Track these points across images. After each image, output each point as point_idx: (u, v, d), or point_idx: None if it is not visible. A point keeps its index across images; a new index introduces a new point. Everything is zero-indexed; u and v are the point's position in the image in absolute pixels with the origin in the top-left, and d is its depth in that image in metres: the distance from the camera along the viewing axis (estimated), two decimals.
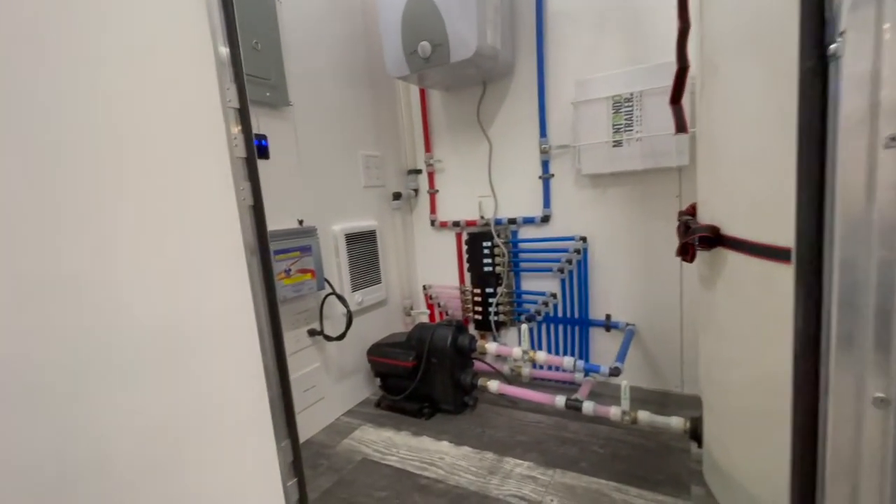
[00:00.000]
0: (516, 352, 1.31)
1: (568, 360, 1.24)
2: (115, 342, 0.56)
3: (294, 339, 1.30)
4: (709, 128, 0.86)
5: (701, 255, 0.91)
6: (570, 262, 1.50)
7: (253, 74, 1.16)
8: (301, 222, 1.32)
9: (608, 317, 1.49)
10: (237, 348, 0.72)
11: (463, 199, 1.72)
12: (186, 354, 0.63)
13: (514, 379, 1.57)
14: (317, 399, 1.39)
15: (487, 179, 1.63)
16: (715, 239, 0.82)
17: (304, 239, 1.25)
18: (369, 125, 1.62)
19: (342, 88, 1.50)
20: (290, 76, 1.29)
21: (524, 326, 1.30)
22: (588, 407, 1.21)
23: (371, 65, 1.61)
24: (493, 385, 1.38)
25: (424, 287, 1.85)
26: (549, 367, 1.50)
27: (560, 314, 1.57)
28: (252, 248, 0.74)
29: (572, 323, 1.55)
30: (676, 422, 1.10)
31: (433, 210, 1.79)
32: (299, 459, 0.86)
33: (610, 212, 1.44)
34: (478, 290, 1.69)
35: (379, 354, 1.48)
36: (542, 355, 1.28)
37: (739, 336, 0.82)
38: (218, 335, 0.68)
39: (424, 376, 1.39)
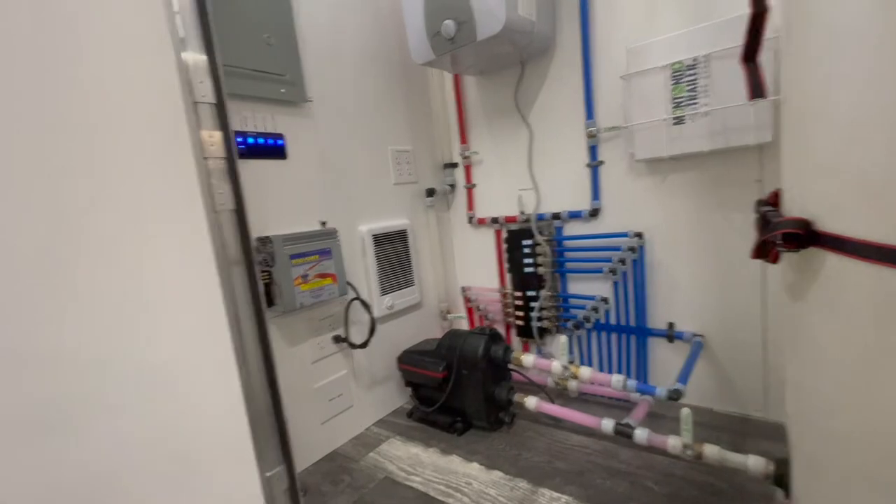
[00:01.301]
0: (556, 366, 1.15)
1: (616, 379, 1.06)
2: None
3: (318, 345, 1.25)
4: (800, 89, 0.65)
5: (787, 256, 0.70)
6: (623, 262, 1.30)
7: (264, 70, 1.10)
8: (324, 224, 1.26)
9: (671, 325, 1.27)
10: (206, 368, 0.65)
11: (502, 193, 1.57)
12: (146, 381, 0.57)
13: (559, 393, 1.40)
14: (345, 408, 1.32)
15: (528, 170, 1.47)
16: (805, 236, 0.61)
17: (323, 241, 1.18)
18: (399, 118, 1.53)
19: (368, 81, 1.42)
20: (309, 70, 1.23)
21: (563, 338, 1.13)
22: (641, 435, 1.02)
23: (399, 54, 1.51)
24: (531, 402, 1.23)
25: (463, 289, 1.72)
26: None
27: (613, 321, 1.37)
28: (234, 256, 0.68)
29: (627, 331, 1.35)
30: (755, 463, 0.88)
31: (471, 206, 1.66)
32: (295, 487, 0.79)
33: (671, 203, 1.22)
34: (519, 294, 1.54)
35: (408, 363, 1.38)
36: (585, 371, 1.10)
37: (843, 368, 0.60)
38: (184, 354, 0.61)
39: (455, 388, 1.28)
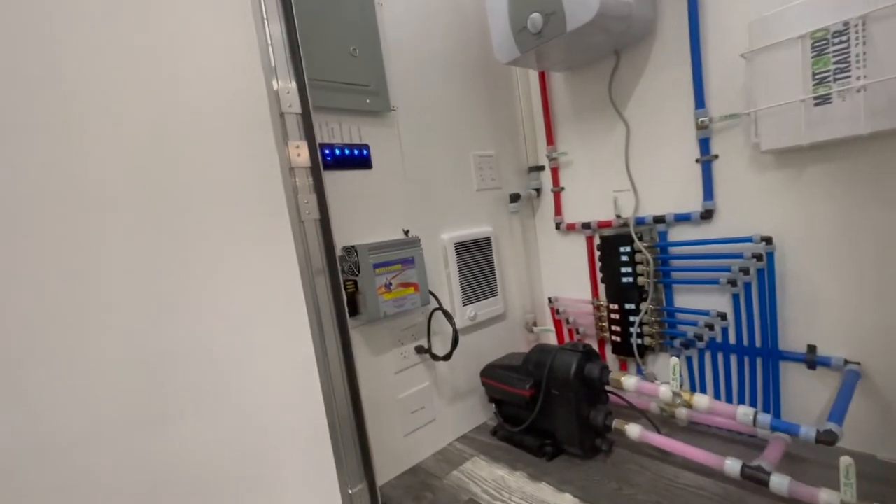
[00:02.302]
0: (664, 391, 1.00)
1: (743, 412, 0.88)
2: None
3: (401, 356, 1.23)
4: None
5: None
6: (745, 271, 1.10)
7: (350, 82, 1.12)
8: (407, 233, 1.25)
9: (811, 349, 1.05)
10: (288, 377, 0.64)
11: (594, 196, 1.44)
12: (229, 386, 0.58)
13: (664, 420, 1.23)
14: (427, 421, 1.29)
15: (625, 170, 1.33)
16: None
17: (406, 250, 1.16)
18: (482, 122, 1.48)
19: (450, 86, 1.39)
20: (393, 79, 1.23)
21: (675, 359, 0.98)
22: (779, 483, 0.84)
23: (482, 56, 1.46)
24: (633, 431, 1.08)
25: (550, 300, 1.61)
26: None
27: (733, 341, 1.17)
28: (318, 265, 0.67)
29: (752, 354, 1.14)
30: None
31: (558, 211, 1.55)
32: None
33: (810, 200, 1.01)
34: (615, 306, 1.39)
35: (492, 377, 1.31)
36: (702, 400, 0.94)
37: None
38: (266, 362, 0.61)
39: (544, 409, 1.18)
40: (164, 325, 0.53)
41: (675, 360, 0.97)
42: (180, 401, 0.55)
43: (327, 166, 1.09)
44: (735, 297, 1.15)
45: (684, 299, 1.26)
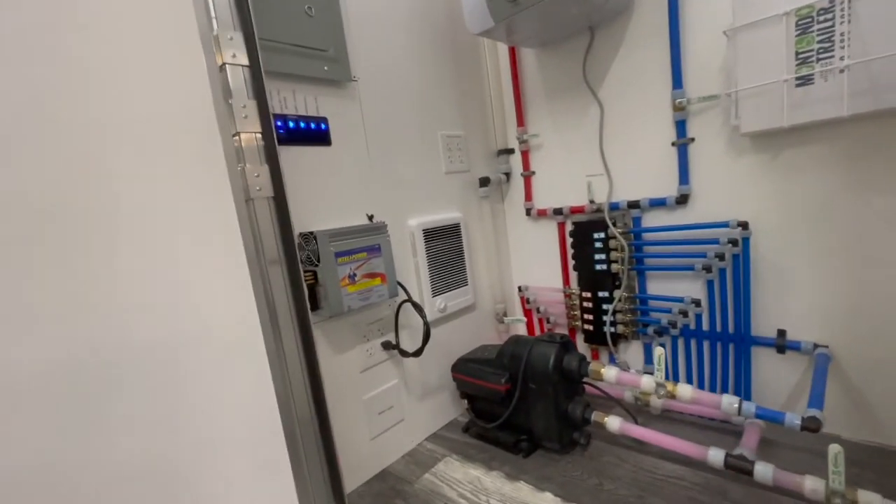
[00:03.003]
0: (646, 382, 0.96)
1: (729, 402, 0.86)
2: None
3: (366, 353, 1.12)
4: None
5: None
6: (721, 257, 1.09)
7: (305, 45, 0.98)
8: (371, 217, 1.13)
9: (781, 333, 1.05)
10: (237, 384, 0.53)
11: (566, 181, 1.38)
12: (164, 396, 0.45)
13: (638, 409, 1.21)
14: (395, 421, 1.19)
15: (598, 153, 1.28)
16: None
17: (371, 237, 1.05)
18: (450, 100, 1.38)
19: (417, 58, 1.27)
20: (354, 46, 1.10)
21: (659, 349, 0.94)
22: (764, 472, 0.82)
23: (451, 26, 1.36)
24: (614, 424, 1.05)
25: (520, 289, 1.56)
26: None
27: (706, 327, 1.17)
28: (272, 255, 0.55)
29: (725, 340, 1.13)
30: None
31: (528, 196, 1.48)
32: None
33: (786, 185, 1.00)
34: (587, 294, 1.35)
35: (465, 372, 1.23)
36: (685, 390, 0.91)
37: None
38: (209, 367, 0.49)
39: (521, 403, 1.12)
40: (84, 326, 0.41)
41: (660, 350, 0.93)
42: (105, 410, 0.42)
43: (280, 141, 0.95)
44: (710, 284, 1.13)
45: (658, 286, 1.24)
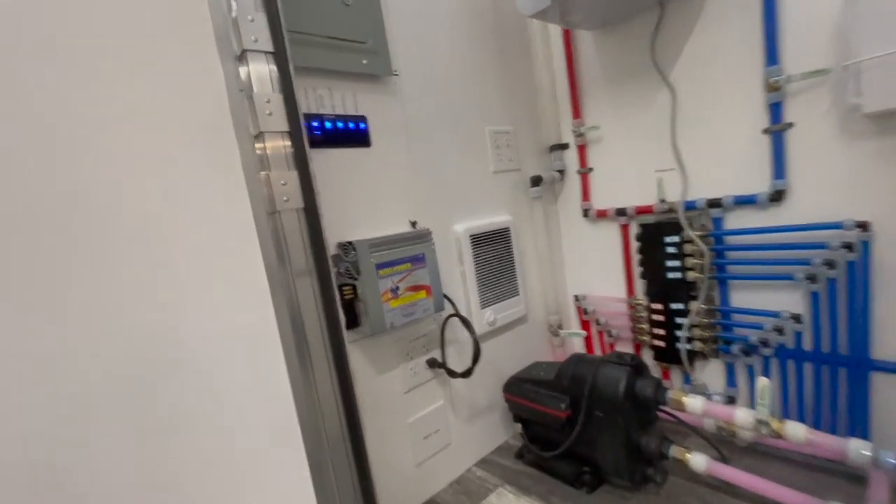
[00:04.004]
0: (743, 417, 0.80)
1: (859, 448, 0.69)
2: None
3: (410, 372, 1.02)
4: None
5: None
6: (830, 264, 0.90)
7: (342, 37, 0.89)
8: (414, 224, 1.03)
9: None
10: (263, 409, 0.44)
11: (630, 178, 1.23)
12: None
13: (722, 440, 1.04)
14: (442, 446, 1.09)
15: (670, 145, 1.12)
16: None
17: (415, 246, 0.95)
18: (498, 93, 1.26)
19: (461, 48, 1.17)
20: (394, 36, 1.01)
21: (763, 381, 0.78)
22: None
23: (498, 13, 1.24)
24: (699, 462, 0.89)
25: (576, 298, 1.41)
26: None
27: (808, 347, 0.98)
28: (301, 270, 0.46)
29: (835, 362, 0.95)
30: None
31: (586, 195, 1.34)
32: None
33: None
34: (657, 306, 1.19)
35: (519, 394, 1.11)
36: (797, 430, 0.74)
37: None
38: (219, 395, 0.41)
39: (584, 432, 0.98)
40: (79, 352, 0.34)
41: (764, 381, 0.77)
42: (109, 440, 0.35)
43: (315, 143, 0.87)
44: (814, 296, 0.95)
45: (745, 297, 1.06)
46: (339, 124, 0.91)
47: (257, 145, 0.43)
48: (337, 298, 0.47)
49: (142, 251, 0.35)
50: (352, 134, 0.93)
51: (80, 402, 0.34)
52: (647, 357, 1.26)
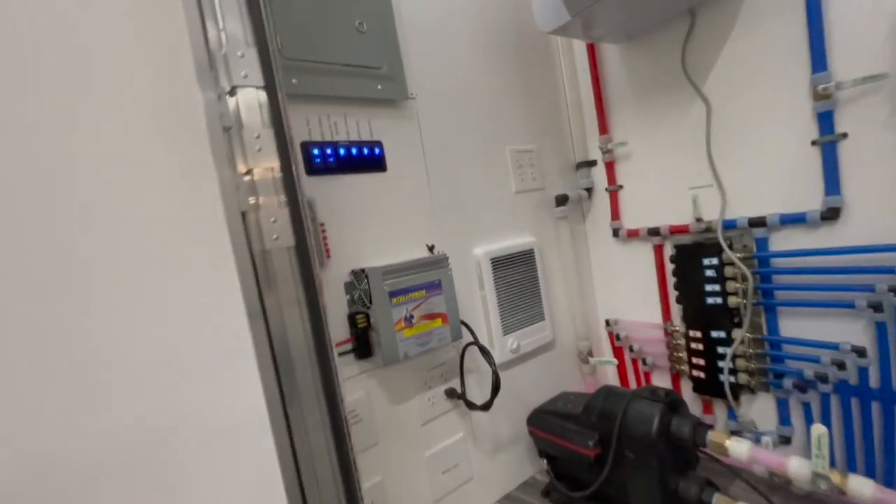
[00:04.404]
0: (796, 469, 0.71)
1: None
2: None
3: (428, 402, 0.99)
4: None
5: None
6: None
7: (356, 64, 0.89)
8: (431, 248, 1.01)
9: None
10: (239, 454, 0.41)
11: (663, 195, 1.16)
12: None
13: (772, 485, 0.93)
14: (463, 481, 1.04)
15: (706, 160, 1.04)
16: None
17: (431, 272, 0.92)
18: (520, 111, 1.22)
19: (481, 67, 1.14)
20: (410, 59, 1.00)
21: (819, 429, 0.68)
22: None
23: (520, 29, 1.21)
24: None
25: (608, 323, 1.33)
26: None
27: (874, 384, 0.87)
28: (292, 303, 0.44)
29: None
30: None
31: (616, 214, 1.27)
32: None
33: None
34: (696, 333, 1.10)
35: (544, 428, 1.05)
36: (865, 487, 0.64)
37: None
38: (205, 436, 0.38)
39: (614, 473, 0.90)
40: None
41: (821, 429, 0.67)
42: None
43: (329, 170, 0.87)
44: (880, 327, 0.84)
45: (797, 327, 0.96)
46: (354, 150, 0.90)
47: (245, 178, 0.42)
48: (330, 343, 0.45)
49: (112, 308, 0.34)
50: (366, 159, 0.92)
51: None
52: (686, 388, 1.16)
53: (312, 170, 0.85)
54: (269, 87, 0.43)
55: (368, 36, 0.92)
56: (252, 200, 0.41)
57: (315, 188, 0.85)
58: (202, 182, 0.37)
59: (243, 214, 0.40)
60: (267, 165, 0.43)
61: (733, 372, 1.04)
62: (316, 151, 0.85)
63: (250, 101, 0.42)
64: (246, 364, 0.37)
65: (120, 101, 0.33)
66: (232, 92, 0.41)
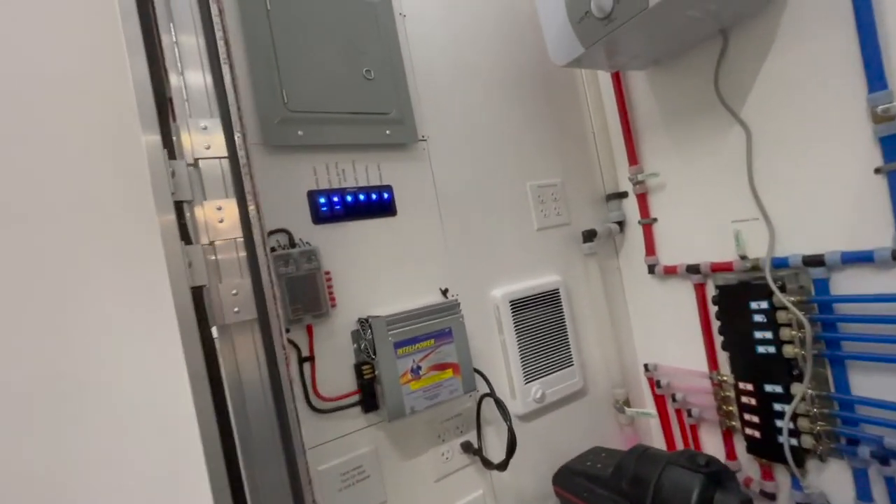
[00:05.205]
0: None
1: None
2: None
3: (442, 457, 0.93)
4: None
5: None
6: None
7: (363, 111, 0.90)
8: (445, 292, 0.97)
9: None
10: None
11: (702, 229, 1.05)
12: None
13: None
14: None
15: (748, 190, 0.94)
16: None
17: (440, 320, 0.88)
18: (542, 144, 1.18)
19: (498, 103, 1.12)
20: (421, 102, 0.99)
21: None
22: None
23: (537, 62, 1.18)
24: None
25: (647, 367, 1.21)
26: None
27: None
28: (255, 391, 0.41)
29: None
30: None
31: (651, 249, 1.17)
32: None
33: None
34: (748, 386, 0.96)
35: (571, 489, 0.95)
36: None
37: None
38: None
39: None
40: None
41: None
42: None
43: (336, 217, 0.87)
44: None
45: (871, 383, 0.81)
46: (362, 196, 0.89)
47: (209, 257, 0.41)
48: (295, 427, 0.41)
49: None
50: (374, 205, 0.91)
51: None
52: (741, 447, 1.02)
53: (319, 218, 0.85)
54: (233, 157, 0.43)
55: (376, 83, 0.92)
56: (211, 277, 0.40)
57: (321, 236, 0.85)
58: (152, 258, 0.36)
59: (197, 289, 0.39)
60: (228, 237, 0.42)
61: (795, 433, 0.89)
62: (322, 200, 0.85)
63: (213, 171, 0.42)
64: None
65: (65, 148, 0.33)
66: (195, 164, 0.41)
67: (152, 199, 0.35)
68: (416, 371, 0.83)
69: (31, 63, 0.32)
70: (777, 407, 0.92)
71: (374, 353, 0.81)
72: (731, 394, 1.01)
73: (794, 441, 0.90)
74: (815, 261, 0.84)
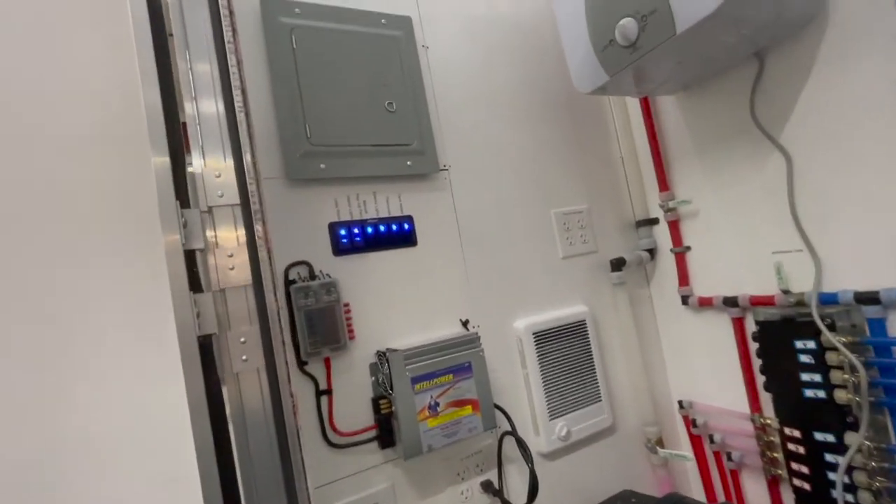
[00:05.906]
0: None
1: None
2: None
3: (461, 496, 0.90)
4: None
5: None
6: None
7: (385, 143, 0.90)
8: (466, 323, 0.95)
9: None
10: None
11: (739, 259, 0.99)
12: None
13: None
14: None
15: (790, 219, 0.88)
16: None
17: (459, 354, 0.86)
18: (568, 171, 1.15)
19: (522, 131, 1.11)
20: (443, 132, 1.00)
21: None
22: None
23: (562, 89, 1.16)
24: None
25: (681, 405, 1.14)
26: None
27: None
28: (262, 433, 0.40)
29: None
30: None
31: (684, 279, 1.11)
32: None
33: None
34: (795, 432, 0.89)
35: None
36: None
37: None
38: None
39: None
40: None
41: None
42: None
43: (356, 249, 0.87)
44: None
45: None
46: (382, 228, 0.90)
47: (219, 307, 0.41)
48: (298, 463, 0.40)
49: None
50: (395, 236, 0.91)
51: None
52: (788, 498, 0.94)
53: (339, 250, 0.85)
54: (245, 204, 0.43)
55: (398, 115, 0.93)
56: (221, 325, 0.40)
57: (341, 267, 0.85)
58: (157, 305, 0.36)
59: (205, 336, 0.39)
60: (239, 283, 0.42)
61: (850, 488, 0.81)
62: (343, 232, 0.85)
63: (226, 220, 0.42)
64: None
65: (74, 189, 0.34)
66: (208, 211, 0.42)
67: (163, 249, 0.36)
68: (433, 407, 0.81)
69: (46, 112, 0.34)
70: (829, 458, 0.83)
71: (391, 389, 0.79)
72: (776, 439, 0.93)
73: (849, 497, 0.81)
74: (869, 298, 0.77)
